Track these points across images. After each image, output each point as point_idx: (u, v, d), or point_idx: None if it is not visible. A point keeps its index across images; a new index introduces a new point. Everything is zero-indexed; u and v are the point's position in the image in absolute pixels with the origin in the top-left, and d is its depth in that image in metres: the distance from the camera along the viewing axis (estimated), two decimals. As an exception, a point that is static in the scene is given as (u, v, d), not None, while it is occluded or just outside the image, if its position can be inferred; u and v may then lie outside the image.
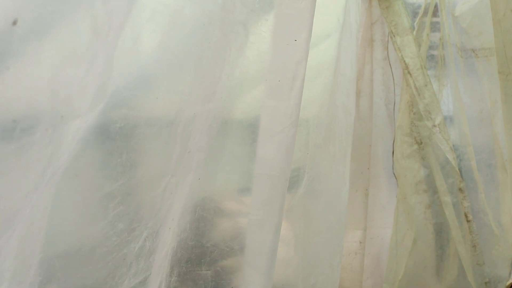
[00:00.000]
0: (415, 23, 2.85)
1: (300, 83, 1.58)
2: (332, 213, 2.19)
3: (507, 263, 2.99)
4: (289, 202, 1.86)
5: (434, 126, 2.60)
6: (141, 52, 1.00)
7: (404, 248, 2.75)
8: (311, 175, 1.94)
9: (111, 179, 0.99)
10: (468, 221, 2.57)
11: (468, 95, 2.86)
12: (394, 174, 2.81)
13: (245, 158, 1.54)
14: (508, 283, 3.03)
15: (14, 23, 0.70)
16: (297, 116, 1.58)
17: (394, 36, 2.70)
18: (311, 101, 1.93)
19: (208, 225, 1.38)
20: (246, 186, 1.51)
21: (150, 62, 1.05)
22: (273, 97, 1.55)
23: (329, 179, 2.10)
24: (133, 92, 0.98)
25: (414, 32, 2.79)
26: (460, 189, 2.59)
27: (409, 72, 2.63)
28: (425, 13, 2.84)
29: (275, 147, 1.54)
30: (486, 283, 2.65)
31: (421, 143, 2.67)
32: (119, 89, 0.93)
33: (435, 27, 2.87)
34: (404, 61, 2.66)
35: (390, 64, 2.92)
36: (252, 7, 1.49)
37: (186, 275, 1.32)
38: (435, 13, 2.85)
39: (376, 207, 3.01)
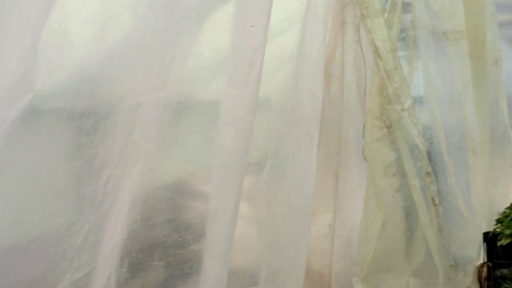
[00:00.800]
0: (387, 5, 2.81)
1: (258, 70, 1.56)
2: (298, 197, 2.18)
3: (476, 245, 3.02)
4: (251, 188, 1.84)
5: (403, 110, 2.58)
6: (72, 44, 0.96)
7: (374, 231, 2.75)
8: (274, 161, 1.93)
9: (43, 174, 0.96)
10: (435, 204, 2.58)
11: (439, 78, 2.85)
12: (364, 157, 2.81)
13: (201, 146, 1.52)
14: (478, 263, 3.07)
15: None
16: (255, 104, 1.56)
17: (365, 18, 2.66)
18: (274, 87, 1.90)
19: (160, 216, 1.36)
20: (201, 175, 1.49)
21: (83, 54, 1.02)
22: (230, 84, 1.52)
23: (294, 164, 2.08)
24: (65, 85, 0.95)
25: (385, 15, 2.75)
26: (427, 173, 2.58)
27: (379, 55, 2.60)
28: (397, -5, 2.81)
29: (232, 135, 1.51)
30: (451, 266, 2.67)
31: (391, 127, 2.66)
32: (47, 82, 0.90)
33: (406, 9, 2.84)
34: (375, 44, 2.62)
35: (361, 47, 2.90)
36: (207, -9, 1.45)
37: (137, 266, 1.31)
38: (406, -4, 2.83)
39: (347, 190, 3.01)
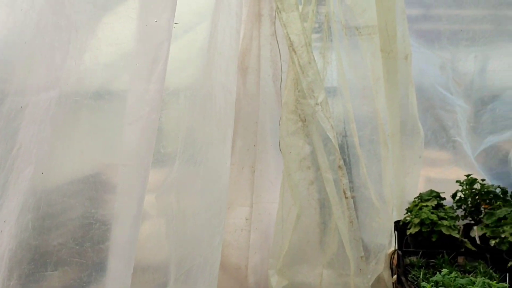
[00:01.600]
0: (302, -1, 2.82)
1: (162, 66, 1.49)
2: (211, 193, 2.14)
3: (388, 233, 3.11)
4: (159, 187, 1.78)
5: (317, 104, 2.60)
6: None
7: (289, 223, 2.77)
8: (184, 158, 1.87)
9: None
10: (346, 197, 2.63)
11: (352, 73, 2.89)
12: (280, 150, 2.81)
13: (101, 147, 1.44)
14: (389, 251, 3.17)
15: None
16: (159, 101, 1.49)
17: (280, 12, 2.65)
18: (183, 82, 1.84)
19: (55, 222, 1.27)
20: (101, 178, 1.41)
21: None
22: (132, 82, 1.45)
23: (206, 159, 2.04)
24: None
25: (300, 8, 2.76)
26: (339, 167, 2.62)
27: (293, 50, 2.60)
28: (312, -11, 2.82)
29: (135, 135, 1.45)
30: (361, 257, 2.74)
31: (305, 120, 2.67)
32: None
33: (321, 3, 2.86)
34: (289, 38, 2.62)
35: (277, 40, 2.89)
36: (106, -16, 1.36)
37: (28, 277, 1.22)
38: (321, -11, 2.84)
39: (264, 182, 3.01)
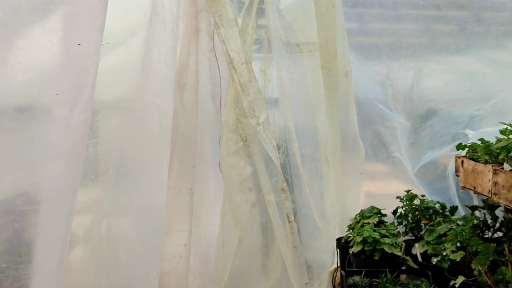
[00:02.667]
0: (241, 14, 2.70)
1: (89, 94, 1.32)
2: (146, 224, 1.97)
3: (330, 253, 3.03)
4: (86, 229, 1.59)
5: (258, 124, 2.48)
6: None
7: (231, 247, 2.64)
8: (114, 193, 1.70)
9: None
10: (289, 222, 2.52)
11: (294, 90, 2.80)
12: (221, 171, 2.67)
13: (19, 186, 1.25)
14: (332, 268, 3.09)
15: None
16: (84, 133, 1.32)
17: (219, 27, 2.52)
18: (112, 107, 1.67)
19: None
20: (13, 226, 1.22)
21: None
22: (52, 113, 1.27)
23: (140, 190, 1.87)
24: None
25: (240, 25, 2.64)
26: (282, 189, 2.52)
27: (234, 67, 2.48)
28: (251, 4, 2.69)
29: (56, 172, 1.27)
30: (306, 284, 2.64)
31: (246, 140, 2.55)
32: None
33: (260, 19, 2.75)
34: (229, 54, 2.49)
35: (215, 56, 2.75)
36: (19, 3, 1.18)
37: None
38: (261, 6, 2.72)
39: (204, 205, 2.86)
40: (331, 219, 3.00)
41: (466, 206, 3.17)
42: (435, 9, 3.04)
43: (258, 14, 2.70)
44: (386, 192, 3.39)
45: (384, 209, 3.13)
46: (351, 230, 3.03)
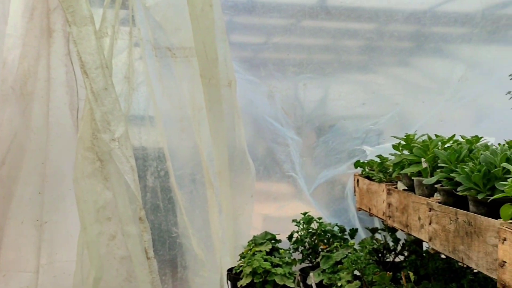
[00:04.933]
0: (102, 11, 2.25)
1: None
2: None
3: (217, 287, 2.61)
4: None
5: (113, 139, 2.03)
6: None
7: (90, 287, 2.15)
8: None
9: None
10: (148, 258, 2.07)
11: (166, 101, 2.38)
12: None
13: None
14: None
15: None
16: None
17: (70, 25, 2.06)
18: None
19: None
20: None
21: None
22: None
23: None
24: None
25: (99, 23, 2.19)
26: (140, 219, 2.07)
27: (85, 72, 2.01)
28: (113, 1, 2.25)
29: None
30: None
31: (103, 160, 2.09)
32: None
33: (124, 18, 2.31)
34: (81, 57, 2.03)
35: (71, 61, 2.28)
36: None
37: None
38: (125, 2, 2.29)
39: (61, 237, 2.35)
40: (217, 248, 2.58)
41: (366, 228, 2.85)
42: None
43: (122, 11, 2.25)
44: (282, 215, 3.02)
45: (279, 234, 2.75)
46: (242, 259, 2.63)
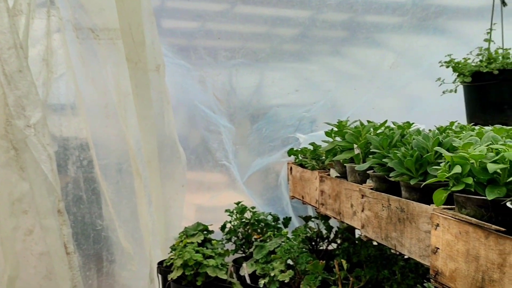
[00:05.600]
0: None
1: None
2: None
3: (145, 280, 2.49)
4: None
5: (28, 126, 1.85)
6: None
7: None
8: None
9: None
10: (68, 253, 1.91)
11: (89, 86, 2.21)
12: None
13: None
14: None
15: None
16: None
17: (-21, 1, 1.86)
18: None
19: None
20: None
21: None
22: None
23: None
24: None
25: (12, 1, 1.99)
26: (59, 211, 1.90)
27: (-4, 53, 1.83)
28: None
29: None
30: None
31: (18, 148, 1.91)
32: None
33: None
34: (-9, 37, 1.85)
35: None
36: None
37: None
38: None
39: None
40: (146, 241, 2.46)
41: (299, 216, 2.81)
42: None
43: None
44: (215, 204, 2.93)
45: (211, 224, 2.66)
46: (173, 252, 2.52)
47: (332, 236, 2.69)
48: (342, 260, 2.12)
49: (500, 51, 2.17)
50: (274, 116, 2.69)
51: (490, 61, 2.10)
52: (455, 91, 2.24)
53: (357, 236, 2.57)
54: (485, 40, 2.24)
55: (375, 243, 2.26)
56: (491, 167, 1.05)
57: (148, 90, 2.37)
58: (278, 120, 2.70)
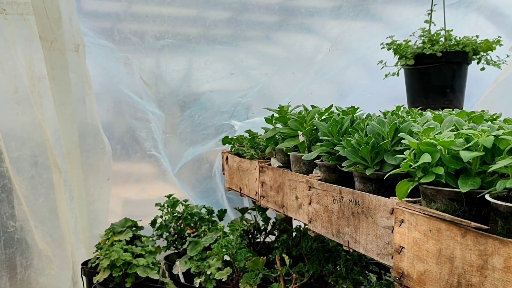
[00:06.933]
0: None
1: None
2: None
3: (68, 284, 2.23)
4: None
5: None
6: None
7: None
8: None
9: None
10: None
11: (-5, 68, 1.91)
12: None
13: None
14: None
15: None
16: None
17: None
18: None
19: None
20: None
21: None
22: None
23: None
24: None
25: None
26: None
27: None
28: None
29: None
30: None
31: None
32: None
33: None
34: None
35: None
36: None
37: None
38: None
39: None
40: (68, 241, 2.20)
41: (235, 209, 2.64)
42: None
43: None
44: (144, 198, 2.71)
45: (141, 220, 2.43)
46: (99, 251, 2.27)
47: (269, 227, 2.55)
48: (284, 255, 1.97)
49: (442, 32, 2.09)
50: (207, 102, 2.49)
51: (433, 43, 2.01)
52: (397, 75, 2.14)
53: (294, 226, 2.44)
54: (426, 21, 2.15)
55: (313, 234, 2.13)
56: (466, 155, 0.91)
57: (67, 73, 2.10)
58: (212, 106, 2.49)
